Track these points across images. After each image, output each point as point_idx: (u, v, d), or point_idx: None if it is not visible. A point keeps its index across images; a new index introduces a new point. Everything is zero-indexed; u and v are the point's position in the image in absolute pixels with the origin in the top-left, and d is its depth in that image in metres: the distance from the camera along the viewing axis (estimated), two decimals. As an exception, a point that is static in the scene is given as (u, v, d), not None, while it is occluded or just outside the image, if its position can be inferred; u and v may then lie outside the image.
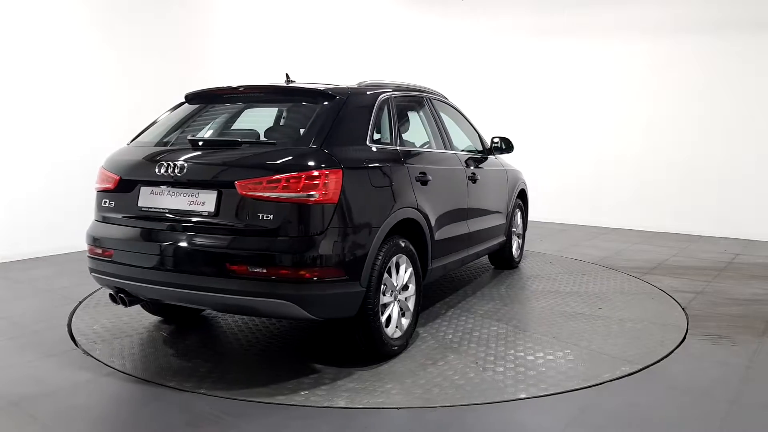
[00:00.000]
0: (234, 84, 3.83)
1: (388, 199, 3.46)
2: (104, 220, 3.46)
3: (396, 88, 4.17)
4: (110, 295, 3.47)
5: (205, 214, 3.09)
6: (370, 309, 3.24)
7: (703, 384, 3.22)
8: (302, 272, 2.94)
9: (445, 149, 4.54)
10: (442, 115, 4.79)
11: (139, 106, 7.25)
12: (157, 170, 3.21)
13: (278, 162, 3.08)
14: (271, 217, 2.96)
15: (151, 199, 3.26)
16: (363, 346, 3.38)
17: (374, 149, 3.54)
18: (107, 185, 3.45)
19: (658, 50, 8.82)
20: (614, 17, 9.15)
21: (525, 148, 9.79)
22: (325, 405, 2.89)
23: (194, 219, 3.13)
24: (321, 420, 2.76)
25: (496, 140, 5.35)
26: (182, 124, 3.81)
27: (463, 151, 4.91)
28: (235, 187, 3.01)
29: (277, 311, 3.12)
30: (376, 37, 10.13)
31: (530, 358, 3.52)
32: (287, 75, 4.10)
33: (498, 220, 5.38)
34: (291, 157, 3.10)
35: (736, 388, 3.15)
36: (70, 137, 6.56)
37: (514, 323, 4.18)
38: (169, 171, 3.17)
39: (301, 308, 2.98)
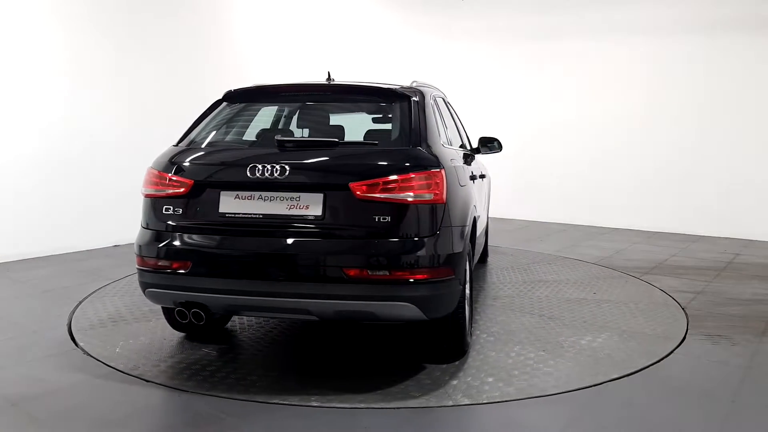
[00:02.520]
0: (291, 81, 3.74)
1: (469, 197, 3.54)
2: (170, 229, 3.12)
3: (432, 87, 4.14)
4: (178, 312, 3.16)
5: (311, 218, 2.93)
6: (460, 305, 3.26)
7: (703, 384, 3.22)
8: (422, 273, 2.90)
9: (461, 148, 4.57)
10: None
11: (138, 105, 7.25)
12: (247, 173, 2.98)
13: (391, 163, 3.00)
14: (388, 218, 2.90)
15: (237, 204, 3.01)
16: (447, 343, 3.39)
17: (447, 149, 3.52)
18: (175, 190, 3.11)
19: (658, 50, 8.82)
20: (614, 17, 9.15)
21: (525, 148, 9.82)
22: (326, 405, 2.89)
23: (298, 224, 2.95)
24: (321, 420, 2.76)
25: (487, 139, 5.27)
26: (241, 124, 3.70)
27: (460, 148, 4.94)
28: (346, 190, 2.90)
29: (394, 314, 3.00)
30: (376, 37, 10.13)
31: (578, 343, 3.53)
32: (329, 74, 3.95)
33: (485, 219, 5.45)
34: (403, 158, 3.04)
35: (736, 388, 3.15)
36: (70, 137, 6.56)
37: (544, 314, 4.19)
38: (266, 174, 2.96)
39: (419, 309, 2.93)
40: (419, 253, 2.90)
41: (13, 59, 6.06)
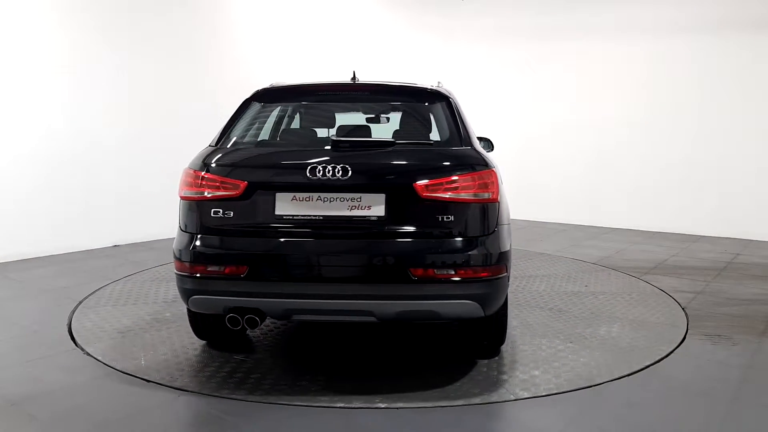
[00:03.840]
0: (323, 81, 3.71)
1: (506, 196, 3.55)
2: (221, 233, 3.00)
3: None
4: (230, 318, 3.03)
5: (374, 219, 2.91)
6: (505, 301, 3.30)
7: (703, 384, 3.21)
8: (483, 271, 2.94)
9: None
10: None
11: (139, 105, 7.25)
12: (307, 174, 2.92)
13: (452, 163, 3.03)
14: (451, 218, 2.92)
15: (294, 206, 2.94)
16: (490, 338, 3.47)
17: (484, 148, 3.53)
18: (228, 192, 2.98)
19: (658, 50, 8.81)
20: (614, 18, 9.15)
21: (525, 149, 9.83)
22: (325, 405, 2.89)
23: (360, 225, 2.92)
24: (321, 420, 2.76)
25: (480, 138, 5.22)
26: (278, 123, 3.65)
27: None
28: (409, 189, 2.91)
29: (456, 312, 3.02)
30: (375, 37, 10.13)
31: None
32: (354, 73, 3.94)
33: None
34: (461, 158, 3.07)
35: (736, 388, 3.15)
36: (69, 137, 6.56)
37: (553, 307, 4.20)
38: (327, 174, 2.90)
39: (480, 306, 2.95)
40: (481, 251, 2.95)
41: (12, 59, 6.06)
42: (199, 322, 3.53)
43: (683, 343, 3.82)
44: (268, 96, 3.60)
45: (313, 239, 2.93)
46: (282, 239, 2.94)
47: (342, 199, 2.93)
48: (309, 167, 2.93)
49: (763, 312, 4.57)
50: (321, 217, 2.92)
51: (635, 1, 8.94)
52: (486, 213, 3.01)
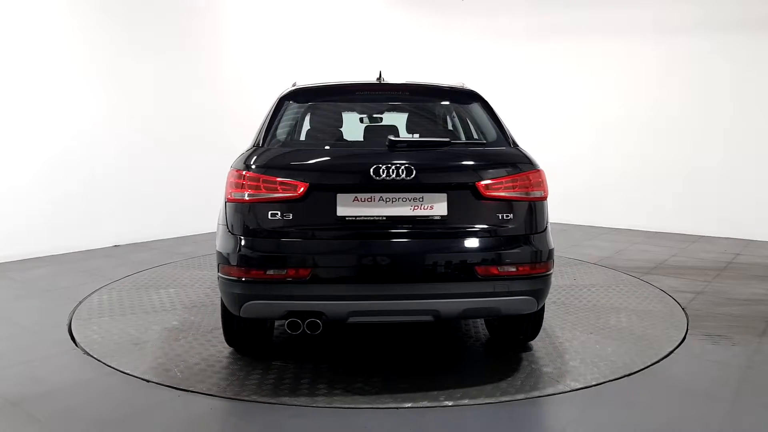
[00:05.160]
0: (359, 81, 3.72)
1: None
2: (280, 235, 2.91)
3: None
4: (290, 323, 2.92)
5: (437, 218, 2.94)
6: None
7: (703, 384, 3.22)
8: (540, 267, 3.04)
9: None
10: None
11: (139, 105, 7.25)
12: (370, 174, 2.89)
13: (509, 162, 3.10)
14: (510, 216, 3.00)
15: (356, 206, 2.92)
16: (525, 333, 3.59)
17: None
18: (287, 194, 2.90)
19: (659, 51, 8.81)
20: (614, 18, 9.15)
21: (525, 148, 9.81)
22: (325, 405, 2.89)
23: (424, 225, 2.94)
24: (321, 420, 2.76)
25: None
26: (321, 123, 3.66)
27: None
28: (471, 189, 2.97)
29: (515, 308, 3.07)
30: (375, 37, 10.13)
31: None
32: (380, 73, 3.95)
33: None
34: (515, 158, 3.15)
35: (736, 388, 3.14)
36: (69, 137, 6.56)
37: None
38: (391, 174, 2.89)
39: (535, 301, 3.04)
40: (538, 248, 3.04)
41: (11, 60, 6.06)
42: (235, 329, 3.40)
43: (683, 343, 3.82)
44: (303, 95, 3.56)
45: (377, 240, 2.92)
46: (346, 240, 2.92)
47: (404, 199, 2.94)
48: (372, 167, 2.90)
49: (763, 312, 4.57)
50: (384, 218, 2.93)
51: (635, 2, 8.94)
52: (539, 211, 3.11)
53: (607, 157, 9.35)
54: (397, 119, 4.01)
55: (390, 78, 3.95)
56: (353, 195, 2.92)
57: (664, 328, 4.13)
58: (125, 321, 4.12)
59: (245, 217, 2.96)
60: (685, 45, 8.59)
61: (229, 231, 3.01)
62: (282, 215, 2.90)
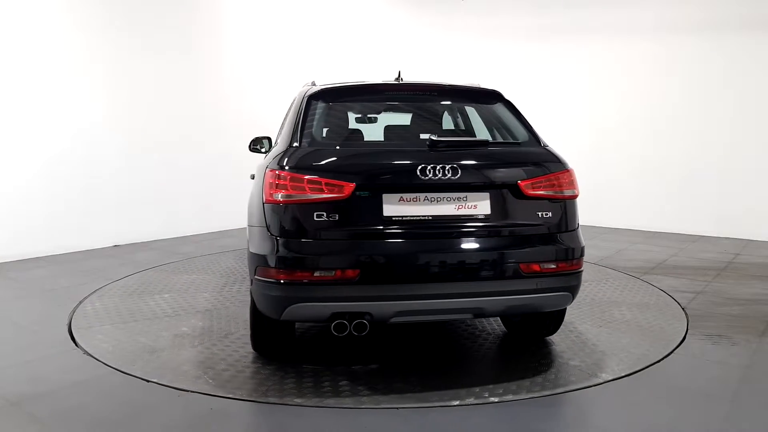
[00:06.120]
0: (385, 81, 3.75)
1: None
2: (328, 237, 2.87)
3: None
4: (336, 325, 2.90)
5: (481, 217, 2.99)
6: None
7: (703, 384, 3.21)
8: (577, 264, 3.12)
9: None
10: None
11: (139, 105, 7.25)
12: (417, 174, 2.91)
13: (546, 162, 3.18)
14: (549, 214, 3.08)
15: (402, 206, 2.92)
16: (548, 329, 3.71)
17: None
18: (334, 195, 2.86)
19: (659, 50, 8.81)
20: (614, 18, 9.15)
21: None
22: (325, 405, 2.89)
23: (468, 224, 2.97)
24: (321, 420, 2.76)
25: None
26: (353, 122, 3.68)
27: None
28: (512, 188, 3.04)
29: (554, 304, 3.17)
30: (375, 37, 10.13)
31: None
32: (399, 73, 3.97)
33: None
34: (551, 156, 3.24)
35: (736, 388, 3.15)
36: (69, 137, 6.56)
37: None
38: (438, 174, 2.92)
39: (571, 297, 3.15)
40: (574, 245, 3.12)
41: (10, 60, 6.06)
42: (265, 333, 3.37)
43: (683, 343, 3.82)
44: (331, 95, 3.52)
45: (424, 239, 2.94)
46: (393, 240, 2.90)
47: (449, 199, 2.97)
48: (419, 167, 2.92)
49: (763, 312, 4.57)
50: (430, 217, 2.95)
51: (635, 2, 8.94)
52: (573, 209, 3.20)
53: (607, 157, 9.34)
54: (424, 119, 4.04)
55: (408, 78, 3.95)
56: (399, 195, 2.93)
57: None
58: (130, 328, 4.01)
59: (288, 219, 2.90)
60: (685, 45, 8.59)
61: (269, 233, 2.94)
62: (328, 216, 2.86)
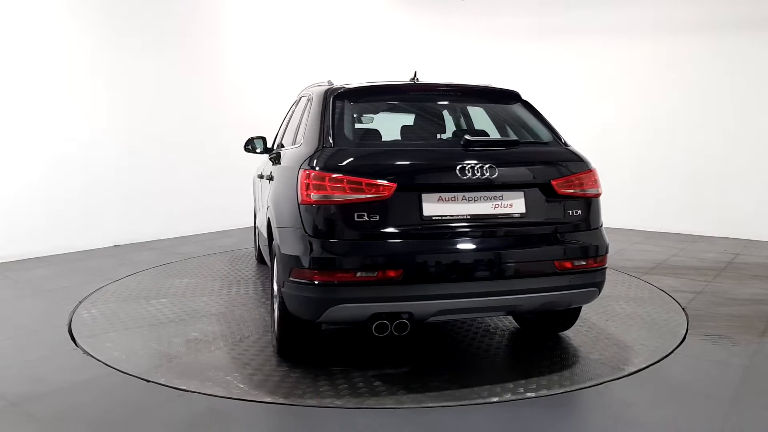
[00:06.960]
0: (407, 81, 3.78)
1: None
2: (369, 237, 2.86)
3: None
4: (378, 326, 2.89)
5: (517, 215, 3.05)
6: None
7: (703, 384, 3.21)
8: (603, 260, 3.22)
9: None
10: None
11: (139, 105, 7.26)
12: (456, 173, 2.95)
13: (574, 161, 3.29)
14: (579, 212, 3.17)
15: (441, 206, 2.95)
16: (564, 324, 3.79)
17: None
18: (375, 195, 2.85)
19: (659, 50, 8.81)
20: (614, 18, 9.15)
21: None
22: (326, 405, 2.89)
23: (505, 222, 3.04)
24: (321, 420, 2.76)
25: None
26: (380, 122, 3.74)
27: None
28: (545, 186, 3.11)
29: (583, 300, 3.28)
30: (376, 37, 10.13)
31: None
32: (415, 73, 3.99)
33: None
34: (577, 156, 3.34)
35: (736, 388, 3.14)
36: (70, 137, 6.56)
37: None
38: (476, 174, 2.96)
39: (599, 292, 3.24)
40: (601, 242, 3.22)
41: (11, 60, 6.07)
42: (294, 336, 3.30)
43: (683, 343, 3.82)
44: (355, 95, 3.51)
45: (463, 238, 2.96)
46: (434, 240, 2.94)
47: (485, 198, 3.02)
48: (458, 167, 2.97)
49: (763, 312, 4.57)
50: (468, 216, 2.99)
51: (635, 2, 8.94)
52: (597, 207, 3.29)
53: (606, 157, 9.27)
54: (447, 119, 4.08)
55: (424, 78, 3.94)
56: (437, 194, 2.96)
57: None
58: (139, 335, 3.90)
59: (327, 220, 2.88)
60: (684, 45, 8.59)
61: (306, 234, 2.91)
62: (369, 216, 2.85)
